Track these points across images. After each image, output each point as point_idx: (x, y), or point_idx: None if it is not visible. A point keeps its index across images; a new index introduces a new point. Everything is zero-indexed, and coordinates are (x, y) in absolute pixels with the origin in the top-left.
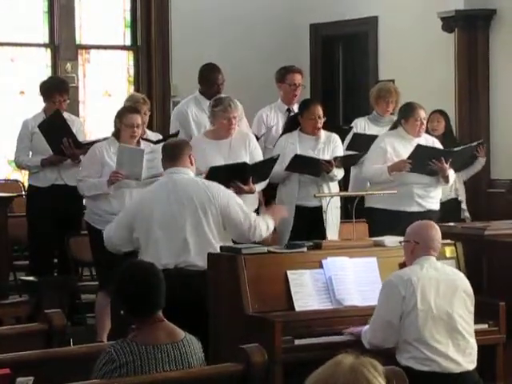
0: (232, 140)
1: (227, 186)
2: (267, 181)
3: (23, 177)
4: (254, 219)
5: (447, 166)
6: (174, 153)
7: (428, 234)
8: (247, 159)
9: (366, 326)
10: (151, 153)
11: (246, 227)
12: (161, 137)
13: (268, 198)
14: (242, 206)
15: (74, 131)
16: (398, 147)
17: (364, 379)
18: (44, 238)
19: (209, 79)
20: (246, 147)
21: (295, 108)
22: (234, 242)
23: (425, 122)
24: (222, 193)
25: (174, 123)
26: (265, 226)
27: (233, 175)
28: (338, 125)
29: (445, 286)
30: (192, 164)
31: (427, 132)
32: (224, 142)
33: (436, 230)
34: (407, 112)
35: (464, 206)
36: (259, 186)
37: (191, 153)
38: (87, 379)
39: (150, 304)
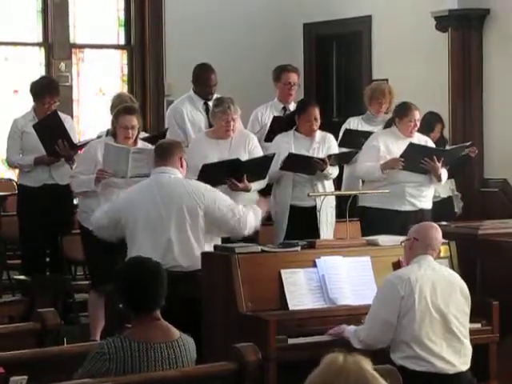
0: (232, 139)
1: (221, 182)
2: (266, 180)
3: (17, 176)
4: (243, 212)
5: (439, 164)
6: (163, 153)
7: (428, 232)
8: (246, 158)
9: (352, 327)
10: (139, 153)
11: (235, 222)
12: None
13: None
14: (227, 200)
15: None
16: (391, 145)
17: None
18: (35, 238)
19: (202, 79)
20: (245, 147)
21: (291, 107)
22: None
23: (418, 124)
24: (207, 192)
25: (170, 121)
26: (252, 216)
27: (226, 172)
28: (331, 120)
29: (442, 287)
30: (182, 166)
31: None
32: (224, 142)
33: (437, 231)
34: (401, 111)
35: (458, 199)
36: (257, 185)
37: (183, 155)
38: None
39: (150, 301)
